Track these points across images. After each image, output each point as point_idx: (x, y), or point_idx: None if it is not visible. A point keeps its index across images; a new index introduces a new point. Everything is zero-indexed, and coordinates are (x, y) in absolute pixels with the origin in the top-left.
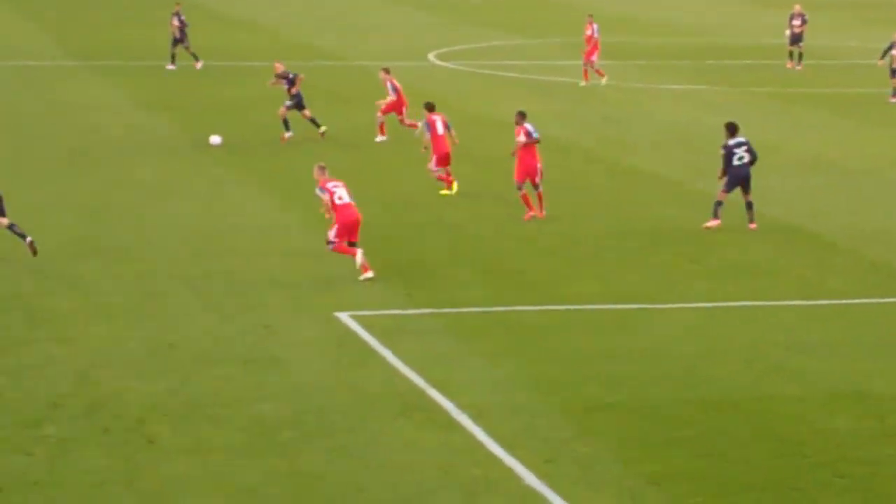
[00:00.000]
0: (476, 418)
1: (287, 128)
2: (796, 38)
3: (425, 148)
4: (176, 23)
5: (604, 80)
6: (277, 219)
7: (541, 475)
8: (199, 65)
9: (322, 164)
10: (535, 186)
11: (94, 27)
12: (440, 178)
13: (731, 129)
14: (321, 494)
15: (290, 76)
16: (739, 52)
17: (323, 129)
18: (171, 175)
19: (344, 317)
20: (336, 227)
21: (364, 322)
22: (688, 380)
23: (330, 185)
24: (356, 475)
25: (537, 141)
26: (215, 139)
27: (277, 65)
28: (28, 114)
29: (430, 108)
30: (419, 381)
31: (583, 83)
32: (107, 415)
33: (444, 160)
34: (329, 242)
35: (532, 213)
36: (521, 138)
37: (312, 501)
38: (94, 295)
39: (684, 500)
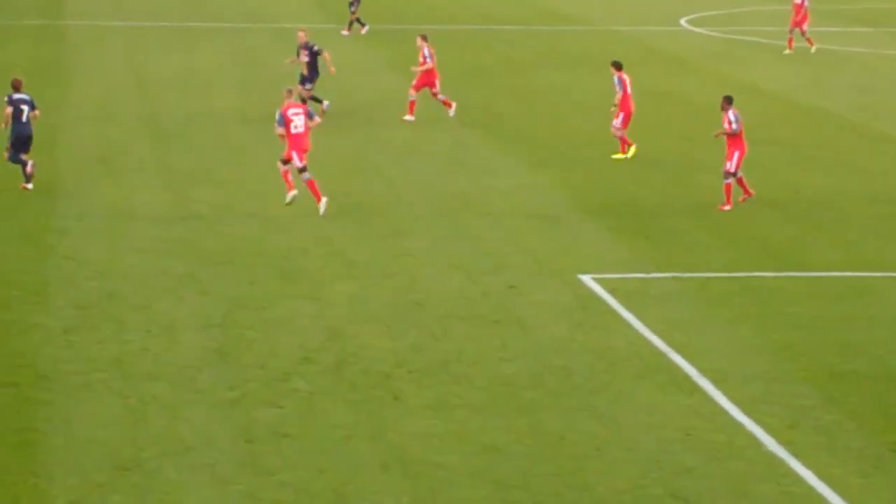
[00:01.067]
0: (717, 382)
1: (319, 100)
2: None
3: (614, 105)
4: None
5: (813, 49)
6: (522, 181)
7: (783, 441)
8: (364, 30)
9: (290, 87)
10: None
11: None
12: (621, 139)
13: None
14: (562, 454)
15: (315, 49)
16: None
17: (326, 103)
18: (418, 137)
19: (587, 279)
20: (287, 150)
21: (607, 285)
22: None
23: (291, 111)
24: (597, 436)
25: (735, 133)
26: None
27: (301, 33)
28: (283, 75)
29: (619, 66)
30: (661, 345)
31: (787, 51)
32: (354, 370)
33: (628, 120)
34: (284, 161)
35: (729, 206)
36: (725, 125)
37: (554, 460)
38: (343, 253)
39: None
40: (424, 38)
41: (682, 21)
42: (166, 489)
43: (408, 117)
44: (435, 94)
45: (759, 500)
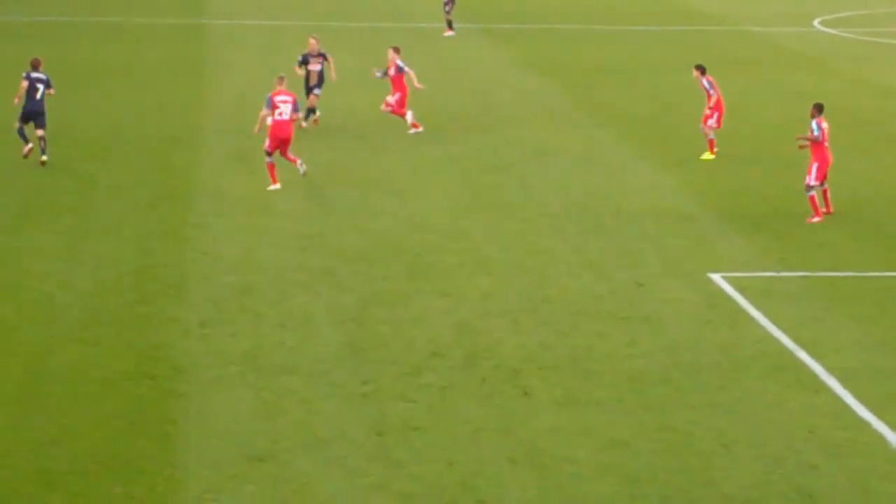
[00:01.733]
0: (843, 381)
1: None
2: None
3: (710, 108)
4: None
5: None
6: (655, 180)
7: None
8: (449, 33)
9: (282, 75)
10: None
11: None
12: (710, 141)
13: None
14: (689, 450)
15: (326, 56)
16: None
17: (315, 116)
18: (552, 136)
19: (716, 278)
20: (268, 140)
21: (736, 283)
22: None
23: (279, 98)
24: (723, 432)
25: (816, 140)
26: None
27: (312, 41)
28: (420, 74)
29: (703, 70)
30: (788, 343)
31: None
32: (484, 365)
33: (721, 121)
34: (267, 154)
35: (818, 218)
36: (816, 134)
37: (681, 456)
38: (476, 250)
39: None
40: (397, 50)
41: (816, 22)
42: (299, 480)
43: (413, 130)
44: (388, 105)
45: (883, 498)
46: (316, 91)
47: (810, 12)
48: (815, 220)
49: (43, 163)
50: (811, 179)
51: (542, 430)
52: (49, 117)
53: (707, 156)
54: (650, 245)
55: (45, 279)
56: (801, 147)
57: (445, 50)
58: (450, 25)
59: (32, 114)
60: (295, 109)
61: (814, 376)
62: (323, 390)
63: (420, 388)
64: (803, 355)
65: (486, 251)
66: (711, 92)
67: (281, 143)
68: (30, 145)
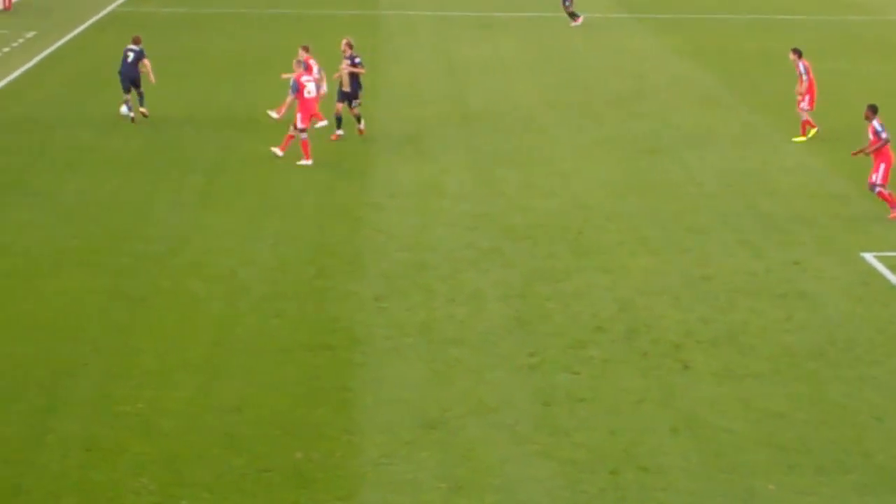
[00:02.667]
0: None
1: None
2: None
3: (799, 94)
4: None
5: None
6: (810, 161)
7: None
8: (577, 21)
9: (299, 59)
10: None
11: None
12: (803, 123)
13: None
14: (843, 422)
15: (357, 61)
16: None
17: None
18: (709, 120)
19: (869, 257)
20: (300, 115)
21: (888, 263)
22: None
23: (304, 78)
24: (877, 405)
25: (886, 142)
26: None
27: (345, 43)
28: (582, 61)
29: (800, 53)
30: None
31: None
32: (645, 340)
33: (813, 103)
34: (301, 130)
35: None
36: (871, 136)
37: (835, 428)
38: (636, 229)
39: None
40: (306, 49)
41: None
42: (469, 446)
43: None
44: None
45: None
46: (353, 103)
47: None
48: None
49: (144, 115)
50: (878, 178)
51: (702, 401)
52: (233, 104)
53: (799, 138)
54: (804, 225)
55: (230, 255)
56: (864, 154)
57: (605, 37)
58: (573, 17)
59: (127, 78)
60: (319, 87)
61: None
62: (491, 361)
63: (584, 361)
64: None
65: (646, 230)
66: (805, 77)
67: (313, 117)
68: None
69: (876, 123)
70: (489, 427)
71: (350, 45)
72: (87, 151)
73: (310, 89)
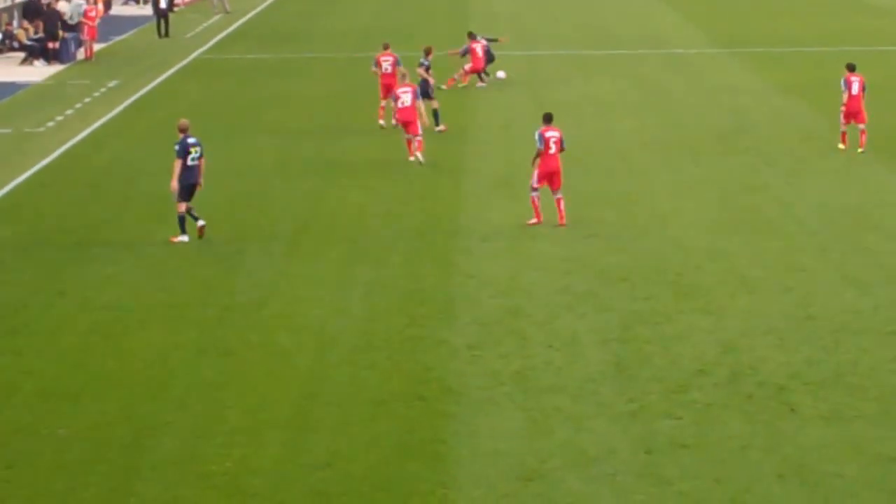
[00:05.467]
0: None
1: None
2: None
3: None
4: None
5: None
6: None
7: None
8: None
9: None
10: None
11: (736, 16)
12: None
13: None
14: None
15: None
16: None
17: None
18: (808, 155)
19: None
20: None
21: None
22: None
23: (400, 90)
24: None
25: None
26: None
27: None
28: (678, 98)
29: (851, 68)
30: None
31: None
32: (749, 382)
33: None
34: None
35: None
36: None
37: None
38: (737, 268)
39: None
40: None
41: None
42: (569, 499)
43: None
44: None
45: None
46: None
47: None
48: None
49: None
50: None
51: (810, 445)
52: (322, 151)
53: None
54: None
55: (319, 306)
56: None
57: (700, 74)
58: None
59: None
60: (415, 97)
61: None
62: (590, 409)
63: (686, 406)
64: None
65: (747, 270)
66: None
67: (405, 123)
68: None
69: None
70: (590, 478)
71: (426, 52)
72: (170, 203)
73: (403, 101)
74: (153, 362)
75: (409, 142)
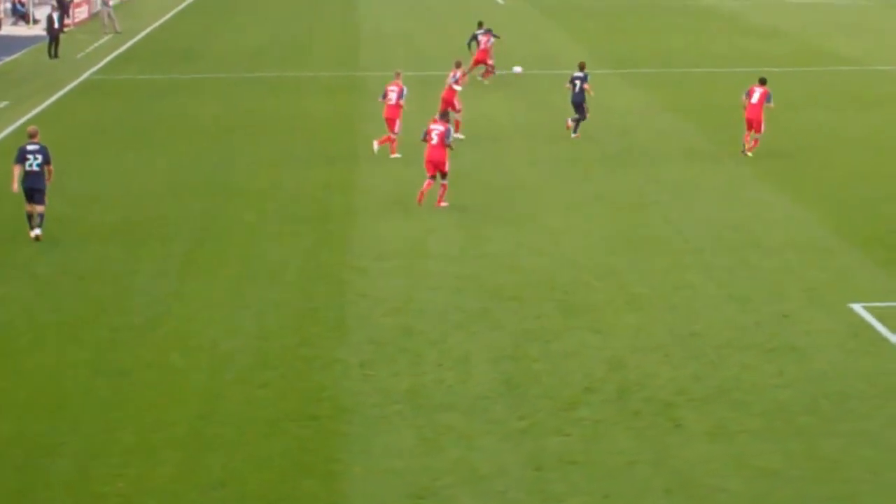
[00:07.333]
0: None
1: None
2: None
3: None
4: None
5: None
6: (795, 214)
7: None
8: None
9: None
10: None
11: (624, 37)
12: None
13: None
14: (838, 477)
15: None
16: None
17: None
18: (694, 174)
19: (857, 308)
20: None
21: (877, 313)
22: None
23: (389, 87)
24: (871, 460)
25: None
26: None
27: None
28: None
29: (761, 81)
30: None
31: None
32: (636, 399)
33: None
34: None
35: None
36: None
37: (830, 484)
38: (625, 286)
39: None
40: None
41: None
42: None
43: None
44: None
45: None
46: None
47: None
48: None
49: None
50: None
51: (695, 460)
52: (216, 171)
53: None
54: (792, 277)
55: (212, 325)
56: None
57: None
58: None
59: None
60: (400, 96)
61: None
62: (481, 426)
63: (575, 422)
64: None
65: (635, 287)
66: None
67: (387, 120)
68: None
69: None
70: (480, 495)
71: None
72: (65, 223)
73: (390, 98)
74: (46, 383)
75: (390, 139)
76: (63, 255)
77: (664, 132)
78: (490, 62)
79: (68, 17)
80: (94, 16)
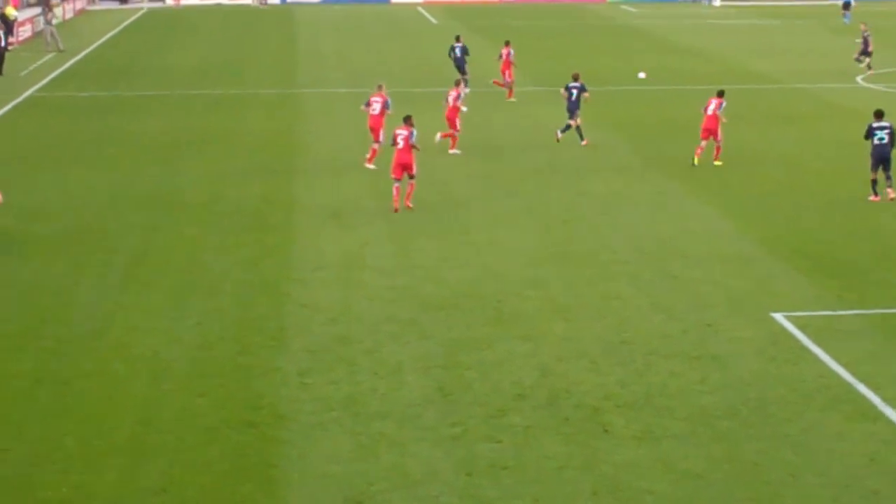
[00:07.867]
0: None
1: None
2: None
3: None
4: None
5: None
6: (718, 226)
7: None
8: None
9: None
10: None
11: (554, 56)
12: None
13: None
14: (759, 480)
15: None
16: None
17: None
18: (621, 188)
19: (779, 317)
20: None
21: (797, 322)
22: None
23: (373, 98)
24: (791, 463)
25: None
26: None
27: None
28: (498, 133)
29: (718, 93)
30: (848, 377)
31: None
32: (566, 405)
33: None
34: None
35: None
36: None
37: (751, 486)
38: (554, 296)
39: None
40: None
41: (858, 79)
42: None
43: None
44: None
45: None
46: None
47: (855, 69)
48: None
49: None
50: None
51: (623, 464)
52: (157, 186)
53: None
54: (716, 287)
55: (153, 334)
56: None
57: (517, 110)
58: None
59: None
60: (384, 108)
61: (873, 407)
62: (414, 433)
63: (505, 429)
64: (862, 388)
65: (563, 298)
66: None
67: (370, 130)
68: None
69: None
70: (414, 500)
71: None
72: (8, 236)
73: (374, 108)
74: None
75: (374, 150)
76: (6, 268)
77: (593, 147)
78: (509, 78)
79: (12, 35)
80: (37, 34)
